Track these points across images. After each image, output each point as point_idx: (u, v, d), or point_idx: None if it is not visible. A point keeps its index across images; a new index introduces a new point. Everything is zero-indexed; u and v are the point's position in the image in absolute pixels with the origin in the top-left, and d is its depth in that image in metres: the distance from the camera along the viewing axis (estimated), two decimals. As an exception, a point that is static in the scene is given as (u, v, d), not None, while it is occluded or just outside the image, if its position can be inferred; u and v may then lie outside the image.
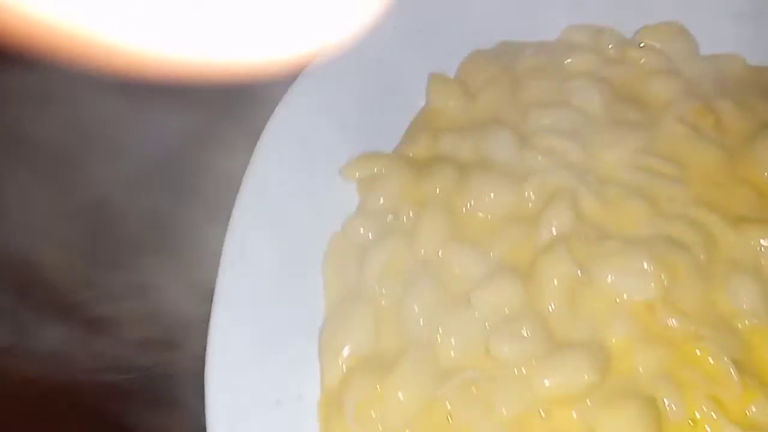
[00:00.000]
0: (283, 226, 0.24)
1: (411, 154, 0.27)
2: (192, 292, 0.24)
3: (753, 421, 0.21)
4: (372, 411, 0.21)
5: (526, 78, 0.29)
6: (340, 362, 0.22)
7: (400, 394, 0.21)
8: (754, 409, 0.21)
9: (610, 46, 0.30)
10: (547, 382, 0.21)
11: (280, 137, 0.27)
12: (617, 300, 0.24)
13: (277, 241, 0.23)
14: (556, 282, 0.24)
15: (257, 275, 0.22)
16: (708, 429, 0.21)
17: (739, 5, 0.31)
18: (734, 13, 0.31)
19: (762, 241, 0.25)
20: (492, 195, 0.25)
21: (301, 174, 0.26)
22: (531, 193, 0.26)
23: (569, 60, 0.30)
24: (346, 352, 0.22)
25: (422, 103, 0.29)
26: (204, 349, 0.21)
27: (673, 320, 0.23)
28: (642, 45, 0.31)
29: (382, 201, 0.25)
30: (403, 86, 0.29)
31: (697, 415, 0.21)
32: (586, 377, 0.21)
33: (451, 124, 0.28)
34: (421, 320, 0.23)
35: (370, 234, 0.25)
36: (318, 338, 0.23)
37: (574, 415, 0.21)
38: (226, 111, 0.27)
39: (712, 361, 0.22)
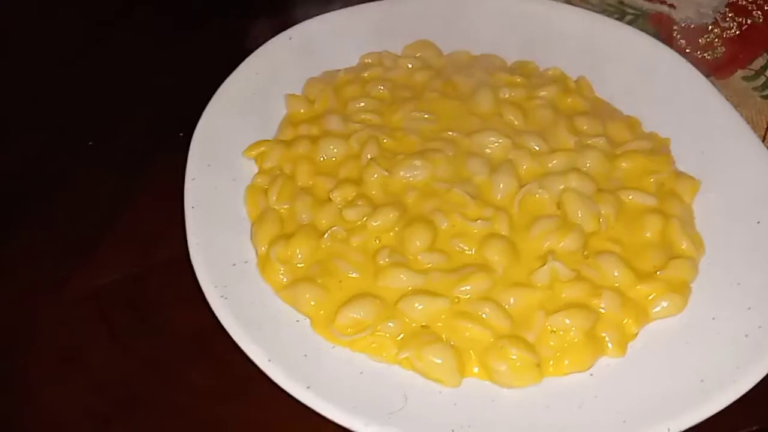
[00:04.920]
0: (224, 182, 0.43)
1: (283, 138, 0.46)
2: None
3: (482, 216, 0.41)
4: (284, 255, 0.39)
5: (342, 87, 0.49)
6: (264, 242, 0.40)
7: (298, 249, 0.39)
8: (483, 213, 0.41)
9: (387, 61, 0.51)
10: (375, 223, 0.40)
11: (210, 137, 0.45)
12: (409, 183, 0.43)
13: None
14: (374, 177, 0.43)
15: (216, 206, 0.41)
16: (457, 227, 0.40)
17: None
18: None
19: (482, 141, 0.45)
20: (332, 148, 0.45)
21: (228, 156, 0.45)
22: (355, 143, 0.45)
23: (366, 73, 0.50)
24: (266, 236, 0.40)
25: (285, 111, 0.48)
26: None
27: (440, 184, 0.43)
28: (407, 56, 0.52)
29: (270, 164, 0.44)
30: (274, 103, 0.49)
31: (452, 222, 0.40)
32: (391, 216, 0.40)
33: (302, 119, 0.47)
34: (304, 215, 0.41)
35: (266, 181, 0.43)
36: (250, 235, 0.41)
37: (391, 234, 0.40)
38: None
39: (460, 198, 0.42)
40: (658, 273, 0.39)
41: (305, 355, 0.35)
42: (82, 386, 0.39)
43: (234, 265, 0.39)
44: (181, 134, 0.46)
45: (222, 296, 0.37)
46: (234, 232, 0.40)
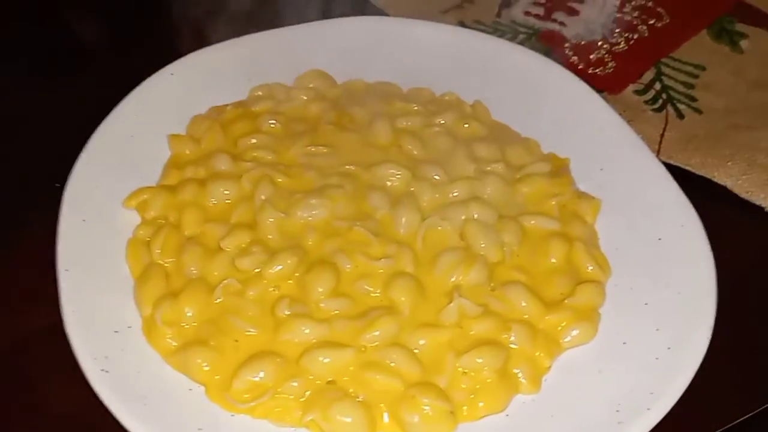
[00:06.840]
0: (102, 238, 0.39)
1: (167, 183, 0.42)
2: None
3: (386, 254, 0.39)
4: (172, 317, 0.35)
5: (230, 123, 0.46)
6: (148, 303, 0.36)
7: (186, 307, 0.36)
8: (387, 250, 0.39)
9: (279, 94, 0.49)
10: (272, 271, 0.37)
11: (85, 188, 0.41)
12: (308, 223, 0.40)
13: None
14: (269, 221, 0.40)
15: (94, 266, 0.37)
16: (361, 268, 0.38)
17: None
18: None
19: (381, 174, 0.44)
20: (222, 190, 0.42)
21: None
22: (247, 183, 0.42)
23: (256, 107, 0.48)
24: (150, 296, 0.36)
25: (169, 153, 0.45)
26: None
27: (341, 222, 0.40)
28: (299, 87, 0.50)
29: (153, 213, 0.40)
30: (156, 146, 0.45)
31: (356, 263, 0.38)
32: (290, 262, 0.38)
33: (188, 161, 0.44)
34: (192, 269, 0.38)
35: (149, 233, 0.39)
36: (133, 295, 0.37)
37: (291, 282, 0.37)
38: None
39: (362, 236, 0.40)
40: (566, 300, 0.38)
41: (200, 429, 0.32)
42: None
43: (116, 332, 0.35)
44: (57, 185, 0.42)
45: (102, 369, 0.33)
46: (115, 294, 0.37)
